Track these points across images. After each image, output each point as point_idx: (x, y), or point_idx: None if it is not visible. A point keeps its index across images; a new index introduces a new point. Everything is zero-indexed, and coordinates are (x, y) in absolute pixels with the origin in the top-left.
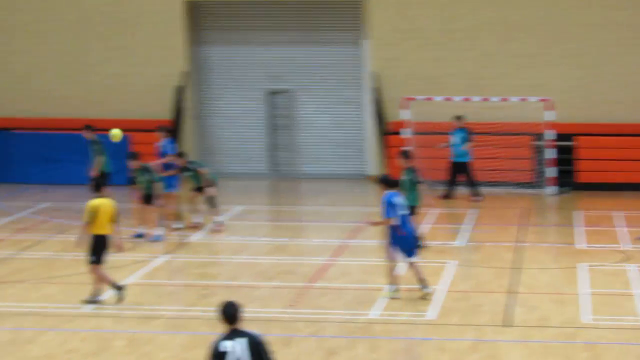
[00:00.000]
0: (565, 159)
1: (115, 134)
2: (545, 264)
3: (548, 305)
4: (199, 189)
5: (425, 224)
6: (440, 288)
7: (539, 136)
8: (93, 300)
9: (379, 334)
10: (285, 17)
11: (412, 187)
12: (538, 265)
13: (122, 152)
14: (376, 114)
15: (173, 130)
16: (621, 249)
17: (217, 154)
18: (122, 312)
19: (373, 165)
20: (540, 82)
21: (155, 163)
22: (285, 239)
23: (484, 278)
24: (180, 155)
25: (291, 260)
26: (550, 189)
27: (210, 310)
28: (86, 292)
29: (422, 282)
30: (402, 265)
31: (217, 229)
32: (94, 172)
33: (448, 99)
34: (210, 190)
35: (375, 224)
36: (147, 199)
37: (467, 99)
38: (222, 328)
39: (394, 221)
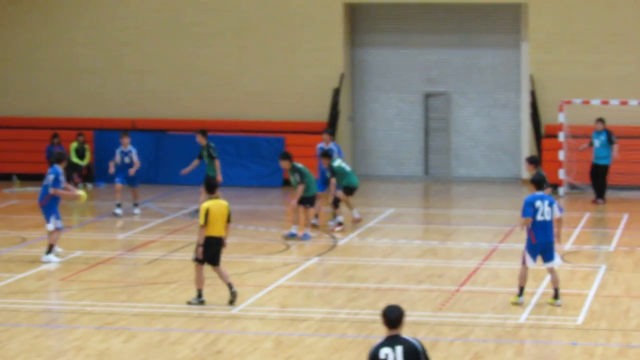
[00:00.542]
0: None
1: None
2: None
3: None
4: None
5: (574, 228)
6: (588, 293)
7: None
8: (197, 302)
9: (525, 338)
10: (443, 20)
11: None
12: None
13: (275, 154)
14: (533, 117)
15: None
16: None
17: (371, 156)
18: (270, 314)
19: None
20: None
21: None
22: (436, 242)
23: (634, 283)
24: (325, 155)
25: (441, 263)
26: None
27: (359, 313)
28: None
29: (556, 292)
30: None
31: (336, 228)
32: (219, 177)
33: (605, 103)
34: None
35: (519, 226)
36: (301, 199)
37: (624, 103)
38: (382, 331)
39: (528, 222)
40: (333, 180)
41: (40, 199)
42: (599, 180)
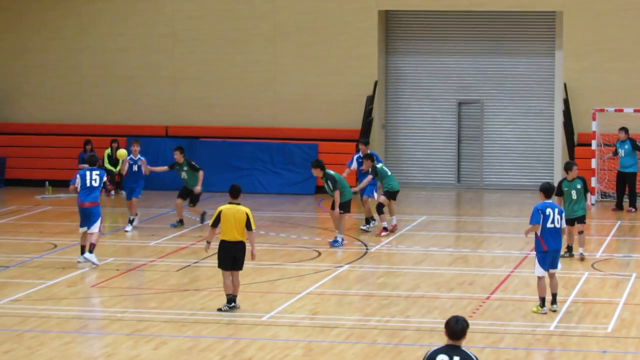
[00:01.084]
0: None
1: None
2: None
3: None
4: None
5: (605, 237)
6: (619, 301)
7: None
8: (228, 308)
9: (555, 346)
10: (476, 28)
11: (583, 197)
12: None
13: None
14: (565, 125)
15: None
16: None
17: (403, 163)
18: (301, 322)
19: (560, 177)
20: None
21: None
22: (467, 249)
23: None
24: (369, 157)
25: (472, 270)
26: None
27: (390, 321)
28: (264, 301)
29: (554, 297)
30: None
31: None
32: (198, 188)
33: (637, 111)
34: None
35: (526, 232)
36: (334, 205)
37: None
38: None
39: (537, 229)
40: (369, 177)
41: (96, 198)
42: (629, 188)
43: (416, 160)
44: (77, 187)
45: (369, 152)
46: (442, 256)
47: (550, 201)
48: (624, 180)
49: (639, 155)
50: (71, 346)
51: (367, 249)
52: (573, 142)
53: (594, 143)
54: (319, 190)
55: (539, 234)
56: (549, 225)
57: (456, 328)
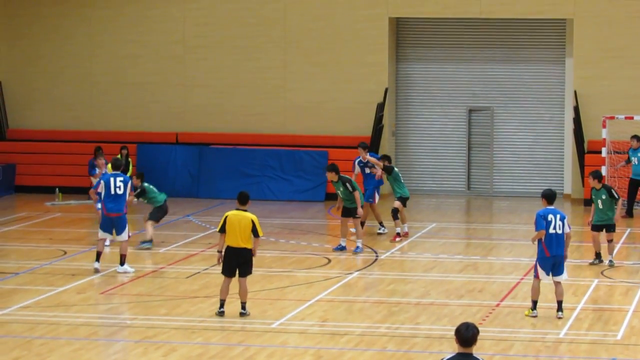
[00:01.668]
0: None
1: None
2: None
3: None
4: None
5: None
6: (629, 308)
7: None
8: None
9: (565, 353)
10: (487, 35)
11: (609, 206)
12: None
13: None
14: (576, 132)
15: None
16: None
17: (414, 170)
18: (311, 329)
19: (570, 184)
20: None
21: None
22: (477, 256)
23: None
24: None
25: (482, 278)
26: None
27: (399, 328)
28: (273, 308)
29: (559, 304)
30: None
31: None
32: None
33: None
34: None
35: (532, 239)
36: (346, 211)
37: None
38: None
39: (541, 235)
40: (380, 173)
41: (122, 208)
42: None
43: (426, 167)
44: (98, 192)
45: (367, 157)
46: (451, 263)
47: (552, 207)
48: (636, 188)
49: None
50: (81, 353)
51: (377, 256)
52: (583, 149)
53: (604, 150)
54: (329, 197)
55: (542, 240)
56: (550, 231)
57: (467, 334)
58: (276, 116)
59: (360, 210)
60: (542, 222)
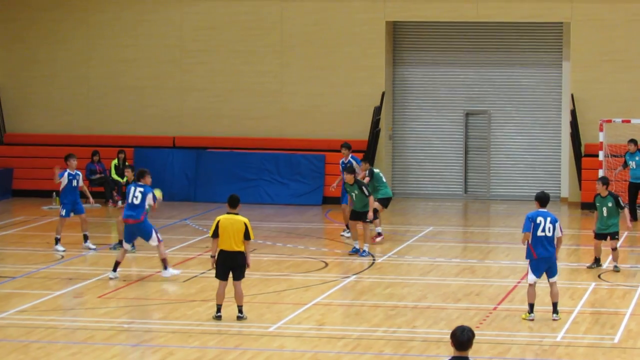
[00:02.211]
0: None
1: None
2: None
3: None
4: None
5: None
6: (626, 311)
7: None
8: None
9: (562, 356)
10: (484, 39)
11: (614, 215)
12: None
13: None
14: (573, 136)
15: (365, 149)
16: None
17: (411, 174)
18: (308, 332)
19: (567, 187)
20: None
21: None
22: (474, 260)
23: None
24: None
25: (479, 281)
26: None
27: (396, 331)
28: (270, 312)
29: (554, 306)
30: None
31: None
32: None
33: None
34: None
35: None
36: (355, 214)
37: None
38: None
39: (527, 237)
40: (362, 175)
41: (139, 216)
42: None
43: (423, 171)
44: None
45: (349, 159)
46: (449, 267)
47: (544, 210)
48: (636, 192)
49: None
50: (78, 357)
51: (374, 260)
52: (580, 153)
53: (601, 154)
54: (326, 201)
55: (529, 242)
56: (539, 233)
57: (462, 338)
58: (273, 120)
59: (370, 215)
60: (529, 224)
